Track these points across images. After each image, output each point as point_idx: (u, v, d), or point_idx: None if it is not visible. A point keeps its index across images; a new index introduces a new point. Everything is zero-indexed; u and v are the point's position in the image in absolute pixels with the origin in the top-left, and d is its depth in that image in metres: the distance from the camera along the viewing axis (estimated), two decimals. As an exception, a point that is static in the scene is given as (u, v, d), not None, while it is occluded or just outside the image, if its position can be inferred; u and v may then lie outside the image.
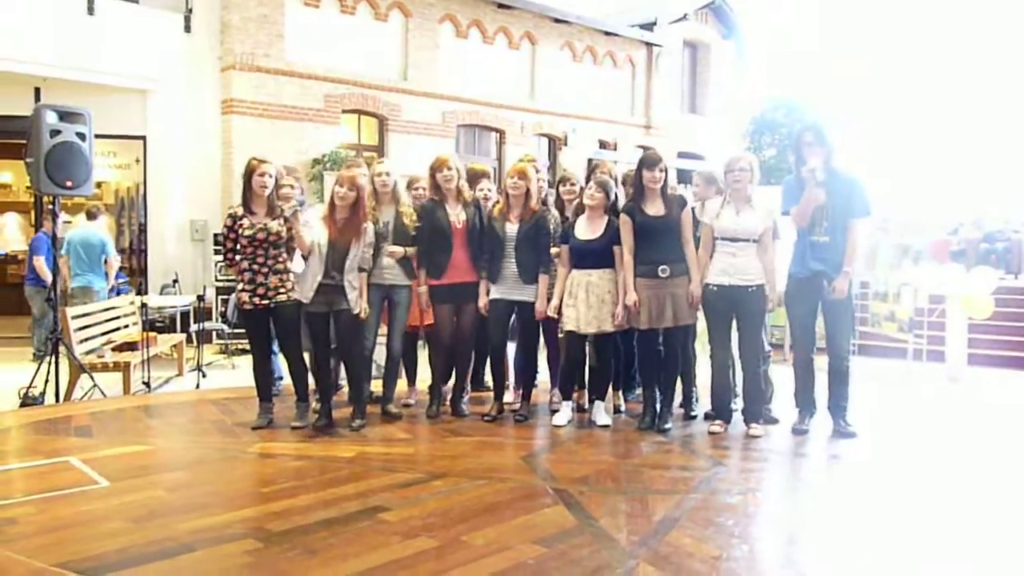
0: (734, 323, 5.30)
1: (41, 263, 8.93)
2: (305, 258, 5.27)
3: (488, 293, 5.59)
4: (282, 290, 5.26)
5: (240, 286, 5.29)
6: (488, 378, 6.26)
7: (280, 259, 5.28)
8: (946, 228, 14.46)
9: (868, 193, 5.26)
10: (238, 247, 5.26)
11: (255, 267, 5.23)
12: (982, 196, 15.52)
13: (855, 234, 5.20)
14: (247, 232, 5.19)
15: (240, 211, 5.26)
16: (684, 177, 5.51)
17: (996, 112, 18.21)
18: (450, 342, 5.72)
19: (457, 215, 5.59)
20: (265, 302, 5.23)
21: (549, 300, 5.49)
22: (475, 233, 5.60)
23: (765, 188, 6.04)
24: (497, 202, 5.81)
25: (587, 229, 5.40)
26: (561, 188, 6.00)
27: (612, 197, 5.43)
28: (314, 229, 5.27)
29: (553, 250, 5.56)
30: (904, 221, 12.23)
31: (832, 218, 5.17)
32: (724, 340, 5.32)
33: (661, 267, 5.24)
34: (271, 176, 5.26)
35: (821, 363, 5.41)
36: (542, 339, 5.95)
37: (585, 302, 5.33)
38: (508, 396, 5.98)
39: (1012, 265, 13.55)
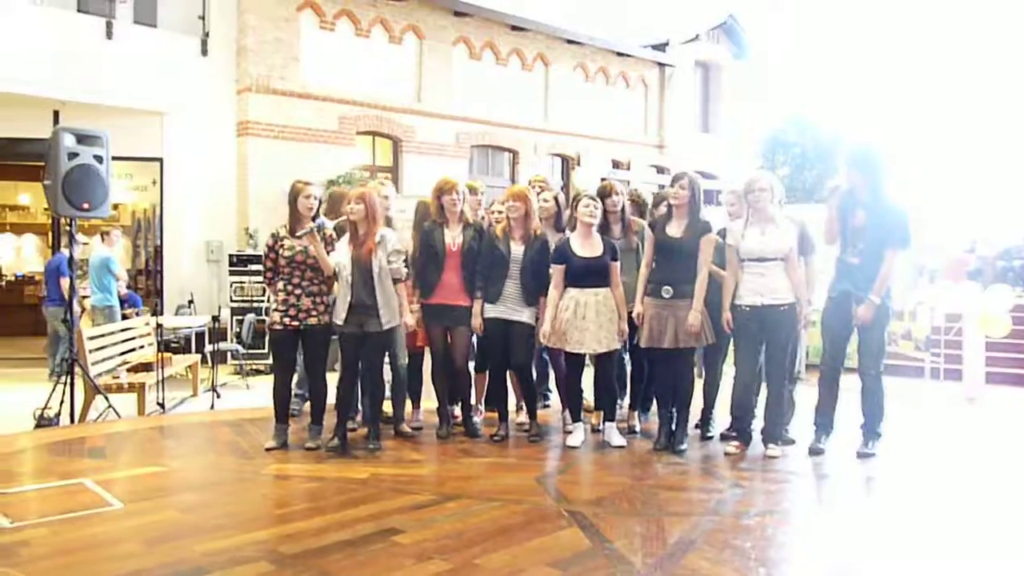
0: (763, 344, 5.25)
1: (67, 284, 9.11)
2: (334, 274, 5.27)
3: (483, 313, 5.55)
4: (314, 313, 5.27)
5: (274, 306, 5.33)
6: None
7: (316, 281, 5.30)
8: (962, 246, 14.34)
9: (911, 226, 5.19)
10: (277, 268, 5.31)
11: (290, 288, 5.26)
12: (998, 213, 15.42)
13: (888, 263, 5.13)
14: (286, 253, 5.23)
15: (283, 231, 5.32)
16: (710, 198, 5.52)
17: (1012, 128, 18.12)
18: (444, 362, 5.70)
19: (454, 237, 5.58)
20: (296, 324, 5.25)
21: None
22: (471, 256, 5.57)
23: (786, 207, 6.02)
24: (498, 221, 5.78)
25: (586, 247, 5.37)
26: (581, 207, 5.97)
27: (600, 211, 5.43)
28: (339, 252, 5.28)
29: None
30: (920, 239, 12.14)
31: (867, 241, 5.15)
32: (752, 361, 5.27)
33: (665, 288, 5.23)
34: (316, 198, 5.32)
35: (847, 383, 5.37)
36: (549, 361, 5.91)
37: (596, 322, 5.31)
38: (522, 416, 5.96)
39: (1030, 283, 13.40)
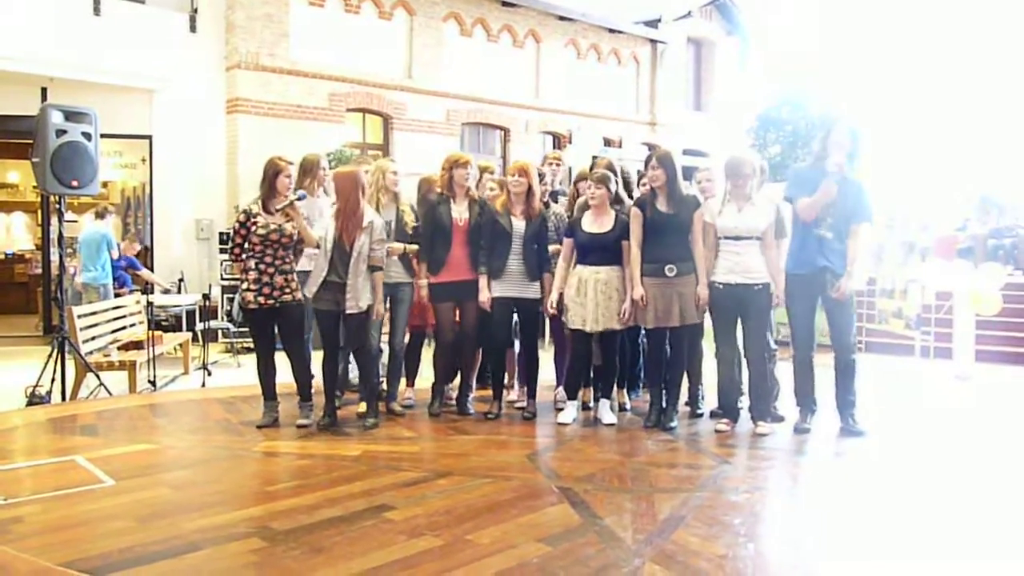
0: (739, 321, 5.28)
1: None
2: (317, 247, 5.25)
3: (489, 289, 5.56)
4: (287, 290, 5.26)
5: (245, 285, 5.27)
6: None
7: (287, 260, 5.28)
8: (953, 224, 14.38)
9: (870, 199, 5.26)
10: (247, 245, 5.25)
11: (262, 267, 5.22)
12: (989, 191, 15.43)
13: (859, 238, 5.19)
14: (260, 231, 5.17)
15: (256, 208, 5.24)
16: (688, 174, 5.45)
17: (1003, 106, 18.14)
18: (453, 340, 5.70)
19: (461, 213, 5.58)
20: (271, 302, 5.23)
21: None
22: (478, 232, 5.58)
23: (771, 185, 6.01)
24: (497, 196, 5.76)
25: (595, 223, 5.38)
26: (581, 185, 5.92)
27: (613, 190, 5.41)
28: (326, 224, 5.26)
29: (552, 248, 5.55)
30: (910, 217, 12.17)
31: (836, 216, 5.15)
32: (730, 338, 5.30)
33: (668, 266, 5.22)
34: (293, 177, 5.30)
35: (822, 360, 5.39)
36: (548, 336, 5.92)
37: (594, 300, 5.31)
38: (513, 394, 5.98)
39: (1020, 261, 13.44)
